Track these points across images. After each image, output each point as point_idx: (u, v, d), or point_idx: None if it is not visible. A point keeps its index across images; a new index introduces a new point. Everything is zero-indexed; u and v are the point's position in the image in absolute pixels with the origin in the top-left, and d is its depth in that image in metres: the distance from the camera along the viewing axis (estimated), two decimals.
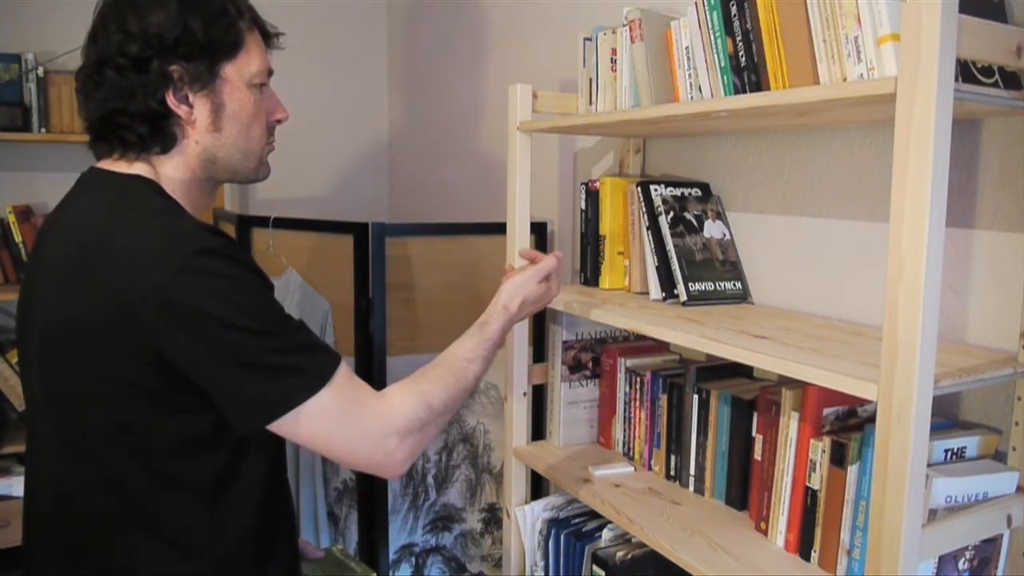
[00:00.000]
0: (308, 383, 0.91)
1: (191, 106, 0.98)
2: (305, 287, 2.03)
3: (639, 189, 1.48)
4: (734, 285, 1.46)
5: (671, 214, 1.44)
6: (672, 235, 1.43)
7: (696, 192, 1.51)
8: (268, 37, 1.07)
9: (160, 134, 0.98)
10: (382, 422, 0.95)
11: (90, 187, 1.00)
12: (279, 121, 1.10)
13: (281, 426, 0.91)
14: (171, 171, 1.00)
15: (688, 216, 1.47)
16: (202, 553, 0.95)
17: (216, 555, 0.96)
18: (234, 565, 0.98)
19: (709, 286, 1.43)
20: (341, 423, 0.93)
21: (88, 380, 0.91)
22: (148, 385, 0.89)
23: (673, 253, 1.42)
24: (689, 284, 1.40)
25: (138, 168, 0.98)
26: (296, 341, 0.93)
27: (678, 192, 1.49)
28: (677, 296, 1.41)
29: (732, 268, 1.48)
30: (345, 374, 0.94)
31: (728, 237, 1.50)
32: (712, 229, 1.49)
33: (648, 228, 1.46)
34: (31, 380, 1.01)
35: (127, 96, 0.95)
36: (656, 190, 1.47)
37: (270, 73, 1.07)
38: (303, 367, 0.91)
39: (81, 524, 0.95)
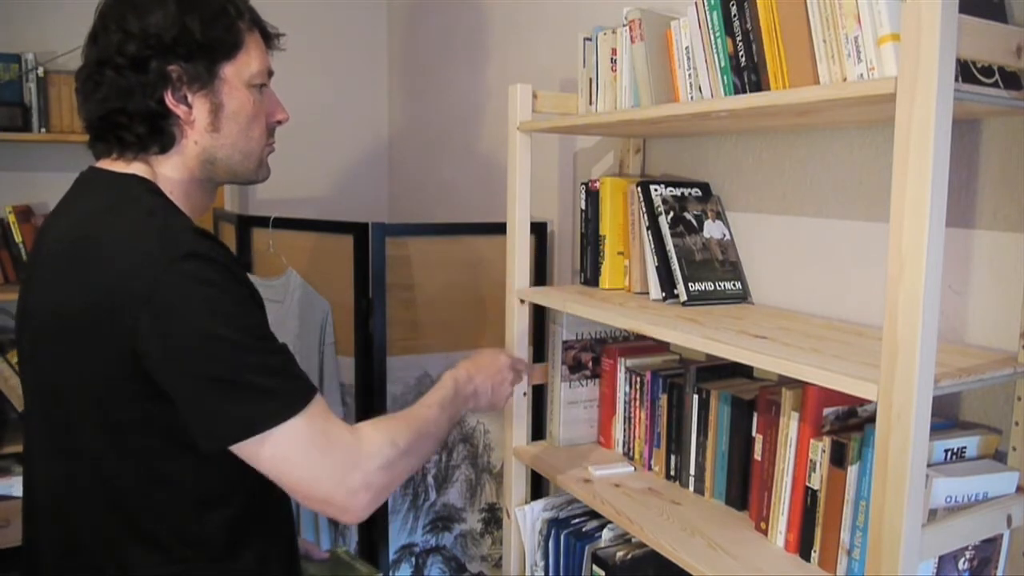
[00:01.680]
0: (279, 409, 0.87)
1: (190, 106, 0.98)
2: (305, 287, 2.03)
3: (639, 189, 1.48)
4: (734, 285, 1.46)
5: (671, 214, 1.44)
6: (672, 235, 1.43)
7: (696, 192, 1.51)
8: (268, 38, 1.06)
9: (159, 134, 0.97)
10: (350, 460, 0.91)
11: (86, 187, 1.00)
12: (279, 122, 1.09)
13: (243, 449, 0.87)
14: (169, 171, 1.00)
15: (688, 216, 1.47)
16: (195, 554, 0.95)
17: (210, 555, 0.96)
18: (229, 565, 0.98)
19: (709, 286, 1.43)
20: (307, 456, 0.89)
21: (77, 378, 0.91)
22: (135, 385, 0.88)
23: (673, 253, 1.42)
24: (689, 284, 1.40)
25: (135, 168, 0.98)
26: (274, 363, 0.90)
27: (678, 192, 1.49)
28: (677, 296, 1.41)
29: (732, 268, 1.48)
30: (319, 407, 0.91)
31: (728, 237, 1.50)
32: (712, 229, 1.49)
33: (648, 228, 1.46)
34: (28, 380, 1.01)
35: (126, 96, 0.95)
36: (656, 190, 1.47)
37: (270, 74, 1.06)
38: (277, 391, 0.88)
39: (75, 523, 0.95)
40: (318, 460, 0.89)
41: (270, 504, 1.04)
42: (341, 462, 0.90)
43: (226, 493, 0.97)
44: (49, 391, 0.95)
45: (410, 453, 0.99)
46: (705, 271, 1.44)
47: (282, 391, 0.89)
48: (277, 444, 0.87)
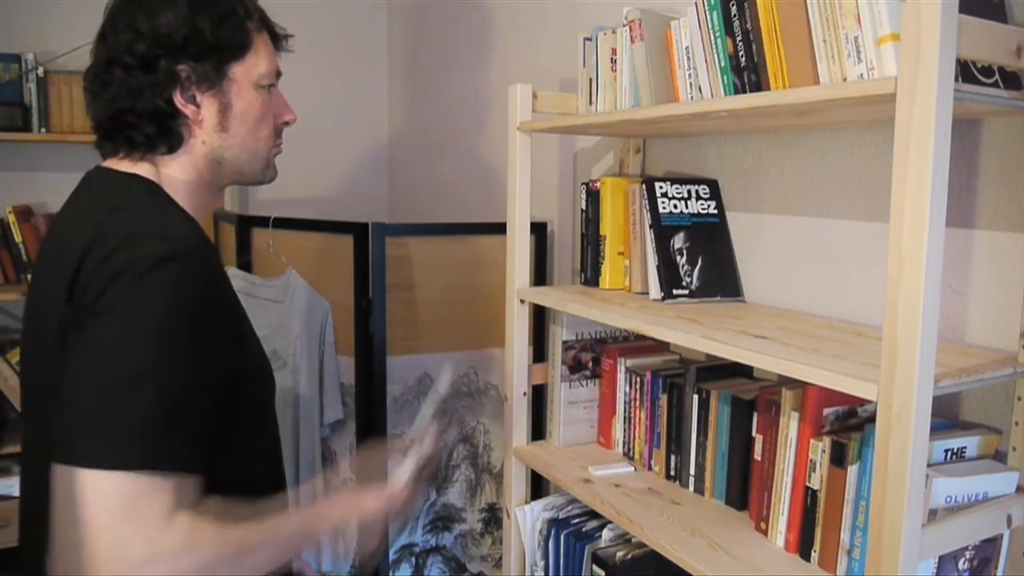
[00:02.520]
0: (130, 453, 0.78)
1: (198, 106, 0.98)
2: (305, 287, 2.03)
3: (643, 187, 1.48)
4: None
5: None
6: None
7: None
8: (277, 39, 1.06)
9: (167, 134, 0.97)
10: (166, 554, 0.79)
11: (89, 187, 1.00)
12: (287, 123, 1.09)
13: (60, 473, 0.79)
14: (176, 171, 1.00)
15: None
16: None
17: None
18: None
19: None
20: (112, 519, 0.77)
21: (54, 378, 0.90)
22: None
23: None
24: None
25: (141, 168, 0.98)
26: (168, 410, 0.80)
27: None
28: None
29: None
30: (171, 485, 0.80)
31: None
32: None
33: (651, 226, 1.46)
34: (25, 379, 1.02)
35: (135, 95, 0.95)
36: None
37: (278, 75, 1.06)
38: (143, 436, 0.79)
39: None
40: (119, 531, 0.77)
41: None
42: (145, 552, 0.78)
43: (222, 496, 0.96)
44: (46, 389, 0.95)
45: (236, 566, 0.85)
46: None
47: (149, 439, 0.79)
48: (93, 488, 0.77)
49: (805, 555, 1.14)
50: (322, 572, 1.33)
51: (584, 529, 1.53)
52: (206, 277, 0.88)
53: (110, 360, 0.80)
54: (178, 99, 0.96)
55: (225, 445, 0.94)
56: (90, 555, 0.77)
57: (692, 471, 1.39)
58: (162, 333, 0.82)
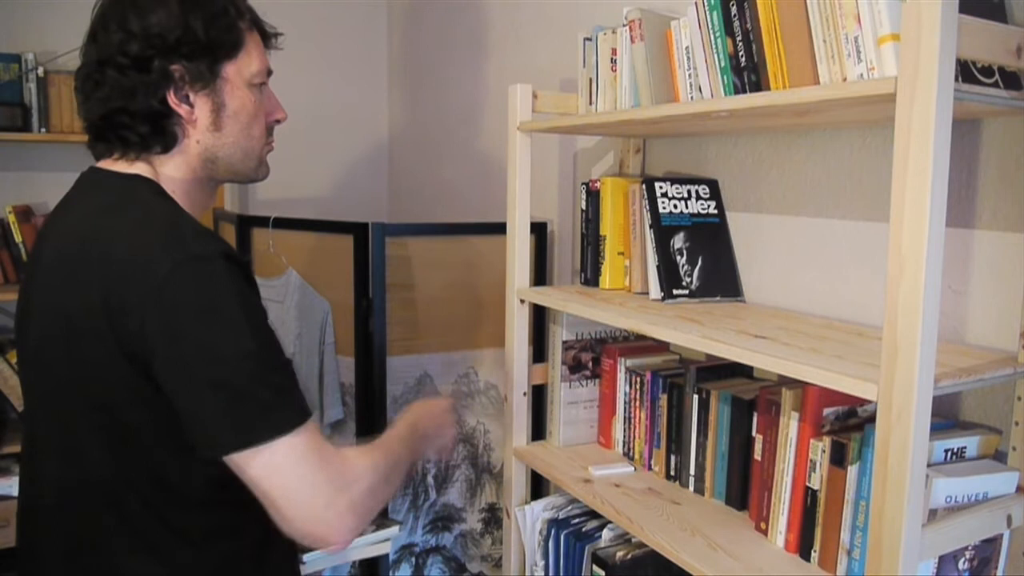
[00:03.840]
0: (279, 423, 0.86)
1: (192, 105, 0.98)
2: (305, 287, 2.03)
3: (643, 187, 1.48)
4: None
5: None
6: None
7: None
8: (267, 37, 1.07)
9: (161, 133, 0.98)
10: (340, 482, 0.90)
11: (90, 187, 1.00)
12: (278, 121, 1.10)
13: (235, 460, 0.86)
14: (171, 171, 1.00)
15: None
16: (196, 557, 0.95)
17: (211, 561, 0.96)
18: (229, 569, 0.98)
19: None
20: (298, 473, 0.87)
21: (82, 382, 0.91)
22: (140, 389, 0.88)
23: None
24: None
25: (138, 168, 0.98)
26: (278, 377, 0.89)
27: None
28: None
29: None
30: (314, 428, 0.90)
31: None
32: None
33: (651, 226, 1.46)
34: (29, 380, 1.01)
35: (128, 95, 0.95)
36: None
37: (269, 73, 1.07)
38: (278, 405, 0.87)
39: (76, 525, 0.95)
40: (309, 478, 0.87)
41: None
42: (331, 483, 0.89)
43: (229, 499, 0.96)
44: (54, 394, 0.95)
45: (388, 481, 0.99)
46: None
47: (282, 406, 0.87)
48: (271, 458, 0.85)
49: (805, 555, 1.14)
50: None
51: (584, 529, 1.53)
52: (243, 267, 0.92)
53: (223, 352, 0.85)
54: (172, 99, 0.96)
55: None
56: (304, 511, 0.88)
57: (692, 471, 1.39)
58: (244, 311, 0.87)
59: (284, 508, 0.87)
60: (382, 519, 1.35)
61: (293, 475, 0.87)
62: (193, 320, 0.85)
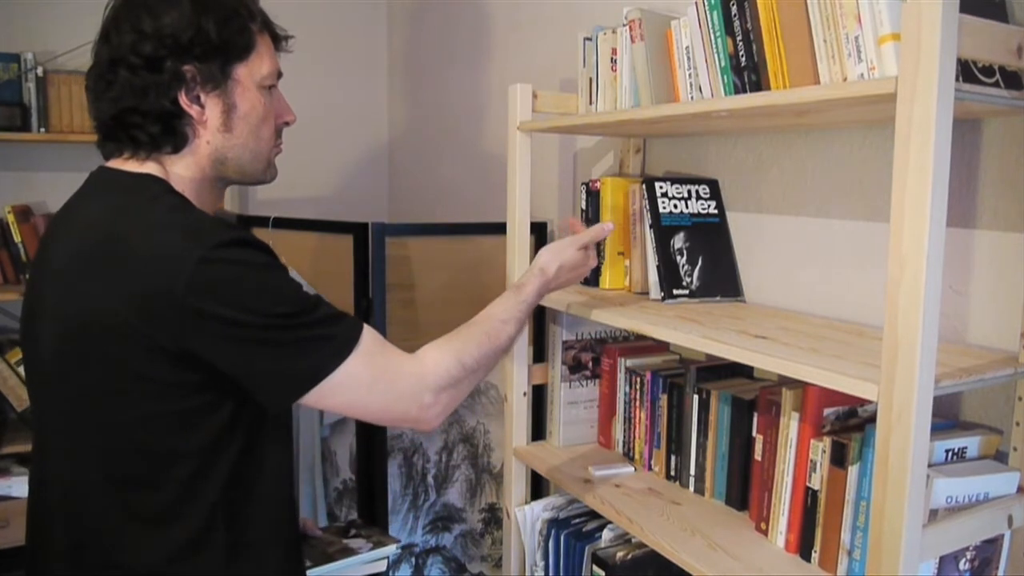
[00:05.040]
0: (334, 352, 0.93)
1: (203, 106, 0.99)
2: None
3: (643, 187, 1.48)
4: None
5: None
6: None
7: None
8: (278, 40, 1.08)
9: (172, 134, 0.98)
10: (414, 381, 0.99)
11: (101, 186, 1.00)
12: (287, 123, 1.11)
13: (311, 397, 0.93)
14: (181, 170, 1.01)
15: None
16: (211, 550, 0.96)
17: (216, 559, 0.96)
18: (240, 558, 0.98)
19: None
20: (373, 387, 0.96)
21: (111, 379, 0.91)
22: (172, 383, 0.90)
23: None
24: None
25: (149, 167, 0.99)
26: (318, 315, 0.94)
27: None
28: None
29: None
30: (371, 338, 0.97)
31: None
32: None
33: (651, 226, 1.46)
34: (40, 382, 1.00)
35: (140, 95, 0.95)
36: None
37: (279, 75, 1.07)
38: (329, 336, 0.93)
39: (92, 522, 0.95)
40: (385, 390, 0.97)
41: (282, 497, 1.05)
42: (406, 388, 0.98)
43: (244, 492, 0.98)
44: (76, 393, 0.95)
45: (478, 369, 1.07)
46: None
47: (333, 335, 0.94)
48: (341, 385, 0.93)
49: (805, 555, 1.14)
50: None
51: (584, 529, 1.52)
52: (256, 239, 0.96)
53: (263, 330, 0.89)
54: (183, 99, 0.97)
55: (270, 427, 1.01)
56: (391, 414, 1.01)
57: (692, 471, 1.39)
58: (273, 277, 0.93)
59: (371, 417, 1.01)
60: (381, 536, 1.35)
61: (367, 392, 0.96)
62: (231, 305, 0.88)
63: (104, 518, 0.95)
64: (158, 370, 0.89)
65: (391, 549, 1.32)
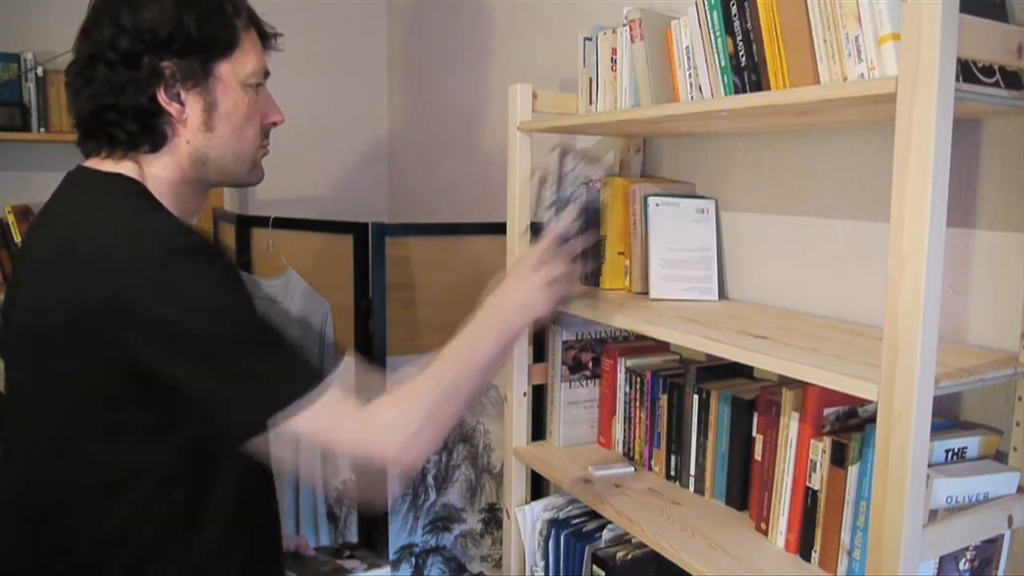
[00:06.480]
0: (281, 395, 0.86)
1: (183, 104, 0.96)
2: (305, 287, 2.03)
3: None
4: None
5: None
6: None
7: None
8: (266, 37, 1.05)
9: (150, 132, 0.96)
10: (364, 437, 0.92)
11: (72, 186, 0.98)
12: (274, 124, 1.07)
13: (262, 439, 0.87)
14: (160, 171, 0.98)
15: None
16: (177, 557, 0.95)
17: (192, 560, 0.95)
18: (211, 568, 0.97)
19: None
20: (329, 434, 0.90)
21: (63, 382, 0.90)
22: (123, 391, 0.88)
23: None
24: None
25: (123, 167, 0.96)
26: (270, 351, 0.89)
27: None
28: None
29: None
30: (333, 390, 0.90)
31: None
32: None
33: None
34: (12, 381, 1.00)
35: (117, 92, 0.93)
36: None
37: (266, 74, 1.04)
38: (262, 376, 0.87)
39: (46, 525, 0.94)
40: (338, 441, 0.91)
41: (256, 509, 1.04)
42: (358, 443, 0.92)
43: (212, 496, 0.96)
44: (33, 393, 0.94)
45: (441, 408, 0.97)
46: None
47: (282, 377, 0.88)
48: (301, 429, 0.87)
49: (805, 555, 1.14)
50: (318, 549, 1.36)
51: (584, 529, 1.52)
52: (217, 250, 0.93)
53: (210, 333, 0.85)
54: (162, 97, 0.94)
55: (211, 446, 0.95)
56: (358, 455, 0.93)
57: (692, 471, 1.39)
58: (224, 297, 0.88)
59: (341, 457, 0.94)
60: (374, 559, 1.34)
61: (323, 437, 0.90)
62: (180, 312, 0.84)
63: (65, 523, 0.93)
64: (108, 380, 0.87)
65: (385, 571, 1.32)
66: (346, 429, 0.90)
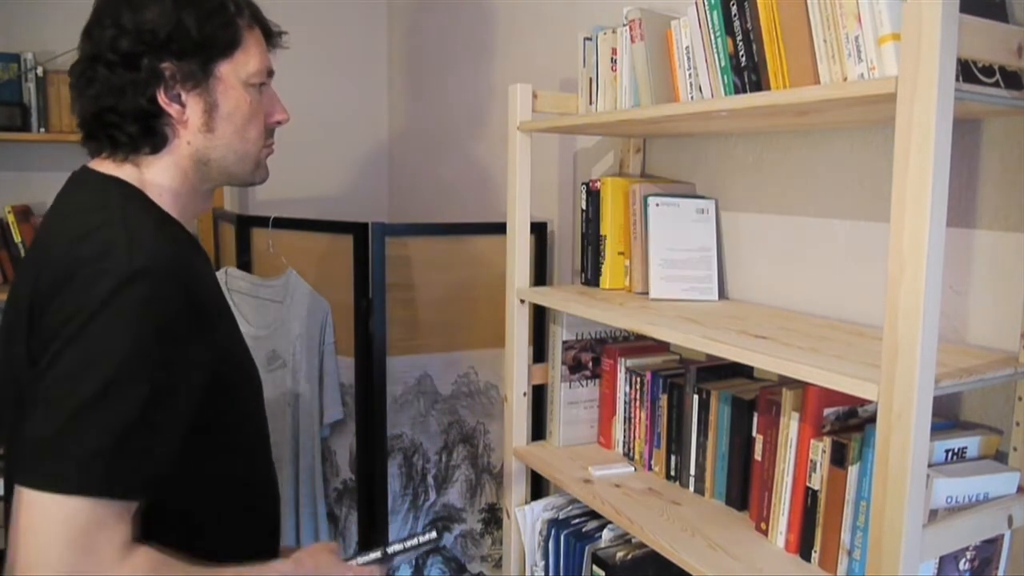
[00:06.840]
0: (90, 478, 0.77)
1: (183, 105, 0.95)
2: (305, 287, 2.03)
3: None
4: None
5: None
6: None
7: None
8: (270, 35, 1.03)
9: (150, 134, 0.95)
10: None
11: (72, 187, 0.98)
12: (279, 123, 1.06)
13: (19, 495, 0.78)
14: (160, 173, 0.97)
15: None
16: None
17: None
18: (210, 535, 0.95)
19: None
20: (68, 549, 0.76)
21: (20, 376, 0.89)
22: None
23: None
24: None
25: (124, 170, 0.96)
26: (130, 431, 0.80)
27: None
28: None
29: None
30: (129, 516, 0.81)
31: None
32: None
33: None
34: (3, 375, 0.99)
35: (117, 94, 0.92)
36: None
37: (271, 73, 1.03)
38: (103, 460, 0.78)
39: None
40: (52, 554, 0.76)
41: (252, 508, 1.03)
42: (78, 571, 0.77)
43: (203, 496, 0.94)
44: (10, 392, 0.94)
45: None
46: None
47: (101, 463, 0.78)
48: (38, 512, 0.77)
49: (805, 555, 1.14)
50: None
51: (584, 529, 1.52)
52: (176, 290, 0.85)
53: (74, 382, 0.79)
54: (162, 98, 0.93)
55: (210, 445, 0.93)
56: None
57: (692, 471, 1.39)
58: (125, 353, 0.80)
59: (14, 566, 0.77)
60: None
61: (57, 546, 0.76)
62: (73, 343, 0.80)
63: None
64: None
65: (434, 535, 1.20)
66: (63, 554, 0.76)
